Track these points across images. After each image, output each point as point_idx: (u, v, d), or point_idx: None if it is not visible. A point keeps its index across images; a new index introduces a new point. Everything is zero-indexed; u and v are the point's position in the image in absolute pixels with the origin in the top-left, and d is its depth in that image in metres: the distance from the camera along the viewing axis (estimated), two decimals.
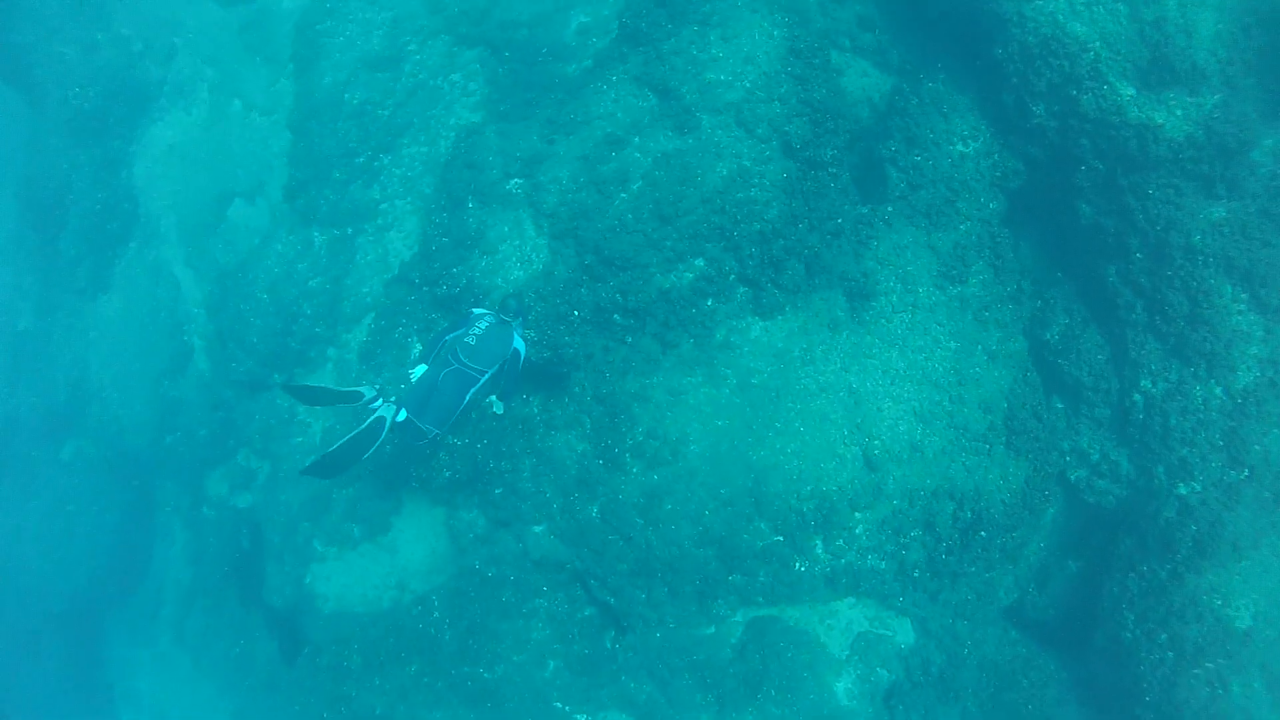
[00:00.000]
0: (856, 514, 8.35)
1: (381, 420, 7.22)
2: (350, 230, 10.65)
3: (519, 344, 7.73)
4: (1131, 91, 8.16)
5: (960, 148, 9.22)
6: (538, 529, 8.82)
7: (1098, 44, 8.25)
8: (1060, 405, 8.64)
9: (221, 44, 12.39)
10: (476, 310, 7.98)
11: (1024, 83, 8.60)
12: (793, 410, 8.52)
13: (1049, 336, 8.72)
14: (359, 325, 10.32)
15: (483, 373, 7.55)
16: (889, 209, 8.93)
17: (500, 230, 9.07)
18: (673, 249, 8.48)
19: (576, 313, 8.53)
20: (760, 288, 8.63)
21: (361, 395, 7.51)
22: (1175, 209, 7.97)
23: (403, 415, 7.34)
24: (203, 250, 11.75)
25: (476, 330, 7.63)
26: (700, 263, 8.59)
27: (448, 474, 8.96)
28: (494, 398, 7.97)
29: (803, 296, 8.70)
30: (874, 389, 8.53)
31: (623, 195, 8.63)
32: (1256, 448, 7.62)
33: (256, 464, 11.01)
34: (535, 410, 8.96)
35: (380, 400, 7.46)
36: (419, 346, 9.47)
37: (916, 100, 9.32)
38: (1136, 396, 8.21)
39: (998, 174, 9.03)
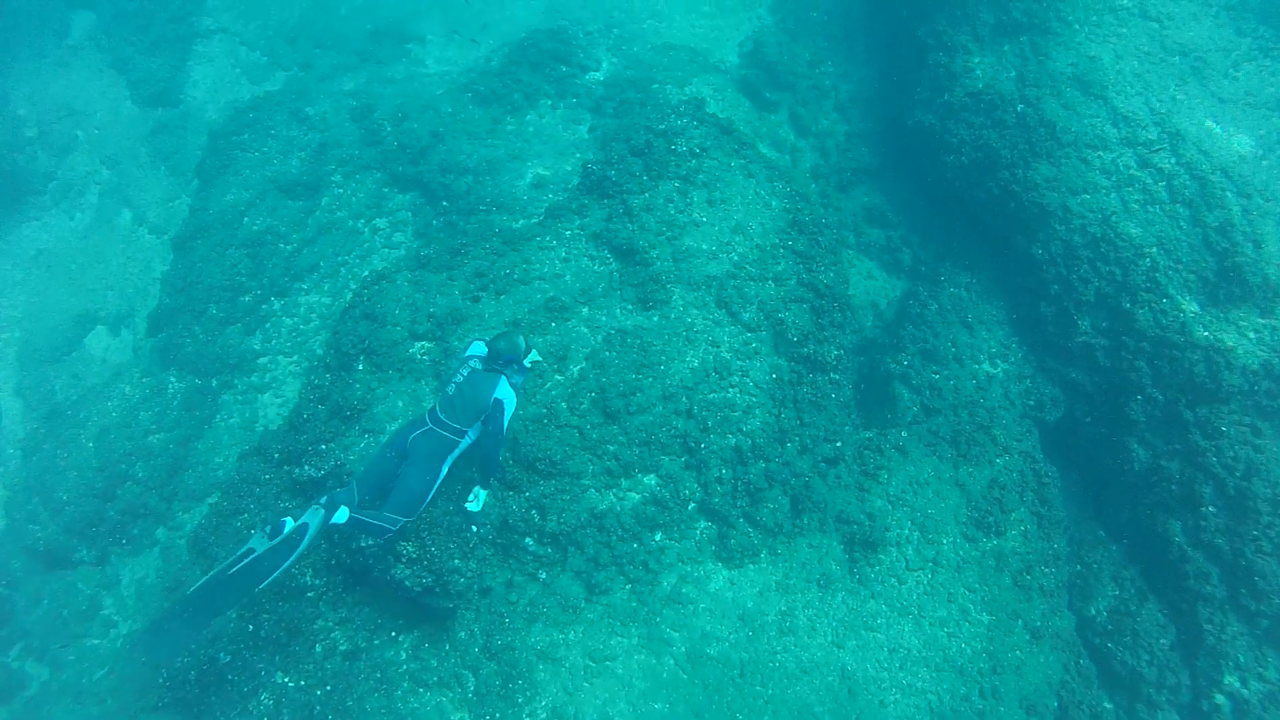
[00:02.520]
0: None
1: (303, 529, 5.16)
2: (215, 383, 8.64)
3: (505, 394, 5.85)
4: (1195, 307, 7.17)
5: (987, 367, 7.85)
6: None
7: (1155, 249, 7.24)
8: (1109, 705, 6.82)
9: (127, 145, 10.83)
10: (470, 351, 6.24)
11: (1067, 290, 7.55)
12: (762, 697, 6.22)
13: (1093, 612, 7.14)
14: (199, 504, 7.97)
15: (462, 434, 5.77)
16: (903, 434, 7.05)
17: (392, 405, 6.94)
18: (616, 458, 6.39)
19: (475, 528, 6.26)
20: (729, 523, 6.50)
21: (252, 551, 5.21)
22: (1256, 451, 6.78)
23: (343, 515, 5.33)
24: (41, 379, 9.47)
25: (458, 378, 5.95)
26: (651, 481, 6.47)
27: None
28: (475, 490, 5.91)
29: (785, 541, 6.58)
30: (876, 674, 6.42)
31: (557, 378, 6.66)
32: None
33: (30, 669, 8.21)
34: (402, 655, 6.47)
35: (289, 525, 5.26)
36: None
37: (935, 307, 8.02)
38: (1219, 698, 6.60)
39: (1031, 402, 7.80)
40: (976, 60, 8.55)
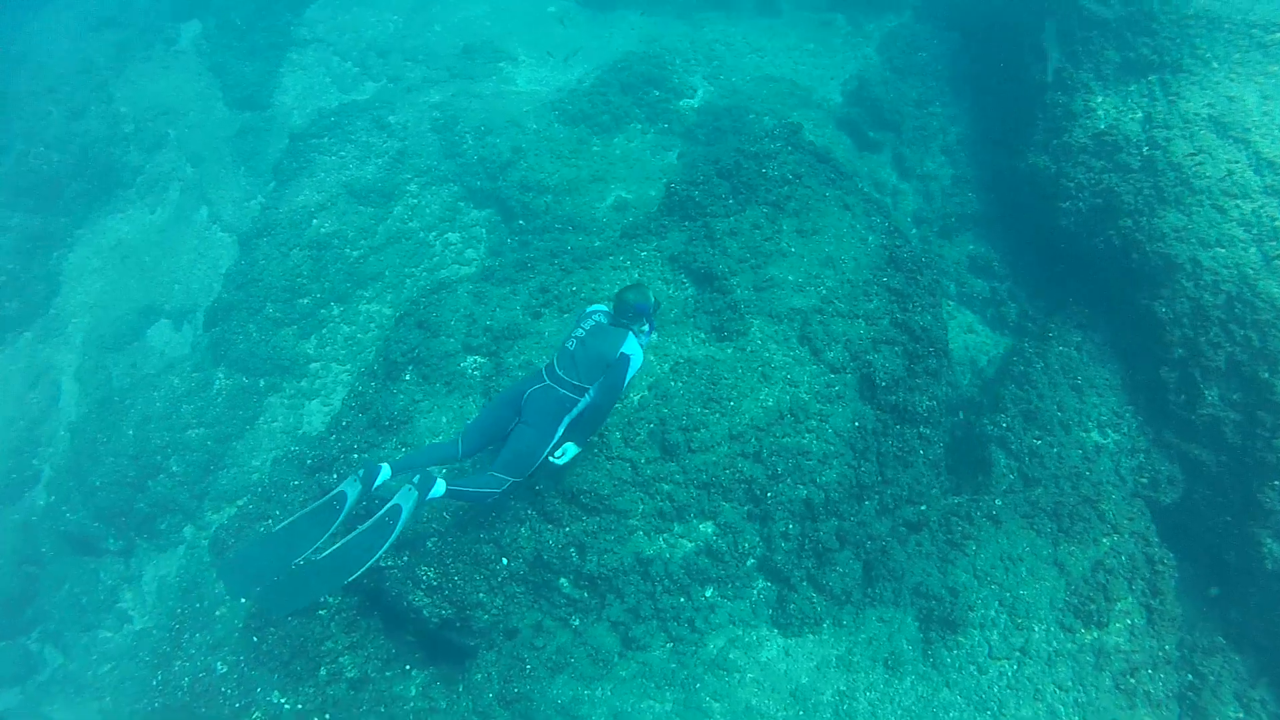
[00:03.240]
0: None
1: (395, 512, 4.85)
2: (263, 383, 8.42)
3: (632, 349, 5.35)
4: None
5: (1096, 436, 7.08)
6: None
7: None
8: None
9: (212, 145, 10.96)
10: (592, 308, 5.76)
11: (1194, 355, 6.63)
12: None
13: None
14: (230, 506, 7.65)
15: (582, 391, 5.29)
16: (997, 503, 6.23)
17: (435, 420, 6.48)
18: (671, 498, 5.75)
19: (506, 561, 5.69)
20: (791, 585, 5.77)
21: (345, 496, 5.07)
22: None
23: (439, 488, 5.00)
24: (100, 365, 9.45)
25: (579, 332, 5.46)
26: (708, 529, 5.81)
27: None
28: (566, 445, 5.36)
29: (853, 611, 5.81)
30: None
31: (615, 405, 6.09)
32: None
33: (48, 654, 8.00)
34: (412, 691, 5.92)
35: (386, 474, 5.13)
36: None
37: (1041, 366, 7.30)
38: None
39: (1144, 480, 6.85)
40: (1099, 100, 7.82)
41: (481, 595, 5.66)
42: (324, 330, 8.66)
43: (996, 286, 8.45)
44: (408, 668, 6.04)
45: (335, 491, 5.02)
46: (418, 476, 4.97)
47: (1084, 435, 7.00)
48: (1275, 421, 6.15)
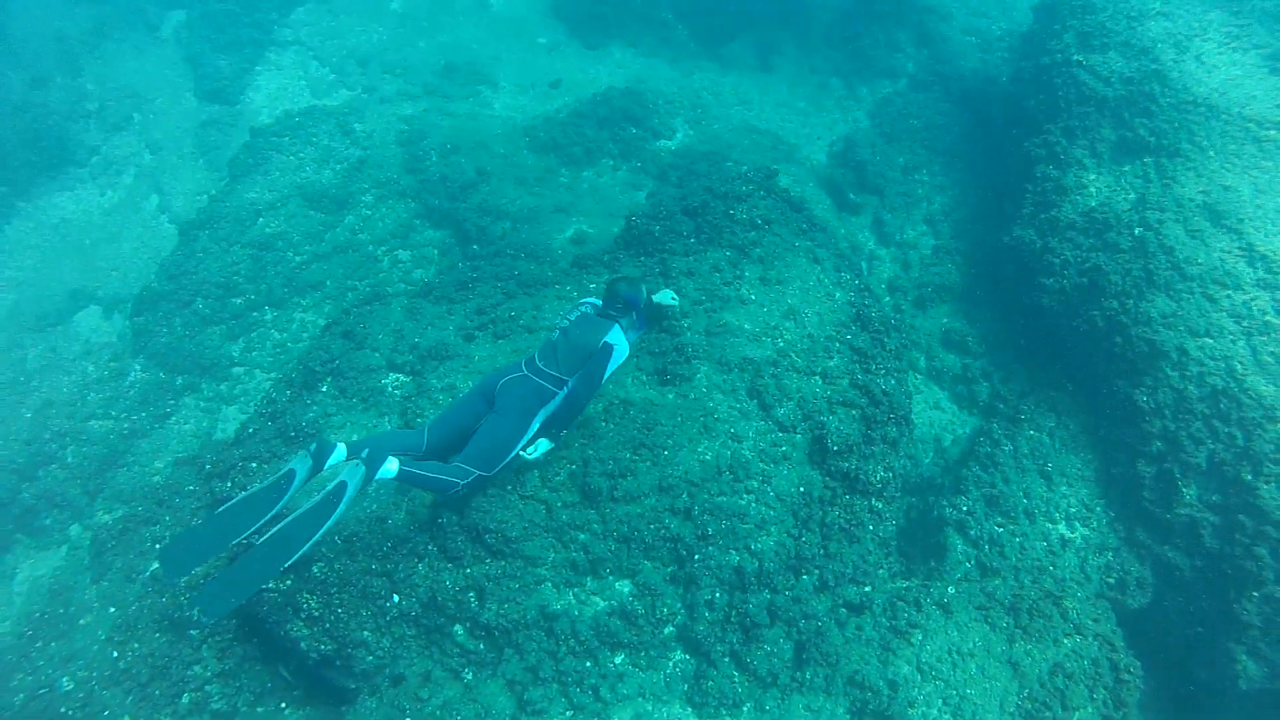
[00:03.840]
0: None
1: (339, 489, 4.41)
2: (180, 381, 7.87)
3: (617, 339, 5.31)
4: None
5: (1063, 529, 6.71)
6: None
7: None
8: None
9: (175, 134, 10.57)
10: (584, 300, 5.80)
11: (1173, 450, 6.26)
12: None
13: None
14: (123, 506, 7.00)
15: (561, 384, 5.16)
16: (950, 591, 5.73)
17: (345, 436, 5.93)
18: (586, 549, 5.20)
19: (398, 598, 5.09)
20: (711, 661, 5.17)
21: (294, 474, 4.60)
22: None
23: (390, 470, 4.63)
24: (17, 344, 8.84)
25: (563, 323, 5.47)
26: (625, 588, 5.25)
27: None
28: (539, 441, 5.17)
29: (778, 696, 5.20)
30: None
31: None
32: None
33: None
34: None
35: (341, 454, 4.72)
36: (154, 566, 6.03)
37: (1010, 449, 6.92)
38: None
39: (1111, 580, 6.45)
40: (1092, 177, 7.54)
41: (367, 633, 5.04)
42: (253, 334, 8.15)
43: (969, 363, 8.05)
44: (283, 705, 5.39)
45: (284, 470, 4.61)
46: (366, 451, 4.59)
47: (1050, 526, 6.55)
48: (1257, 527, 5.73)
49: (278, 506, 4.53)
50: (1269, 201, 6.73)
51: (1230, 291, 6.24)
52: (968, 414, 7.83)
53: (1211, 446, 5.97)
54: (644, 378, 5.94)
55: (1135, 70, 7.76)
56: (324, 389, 6.31)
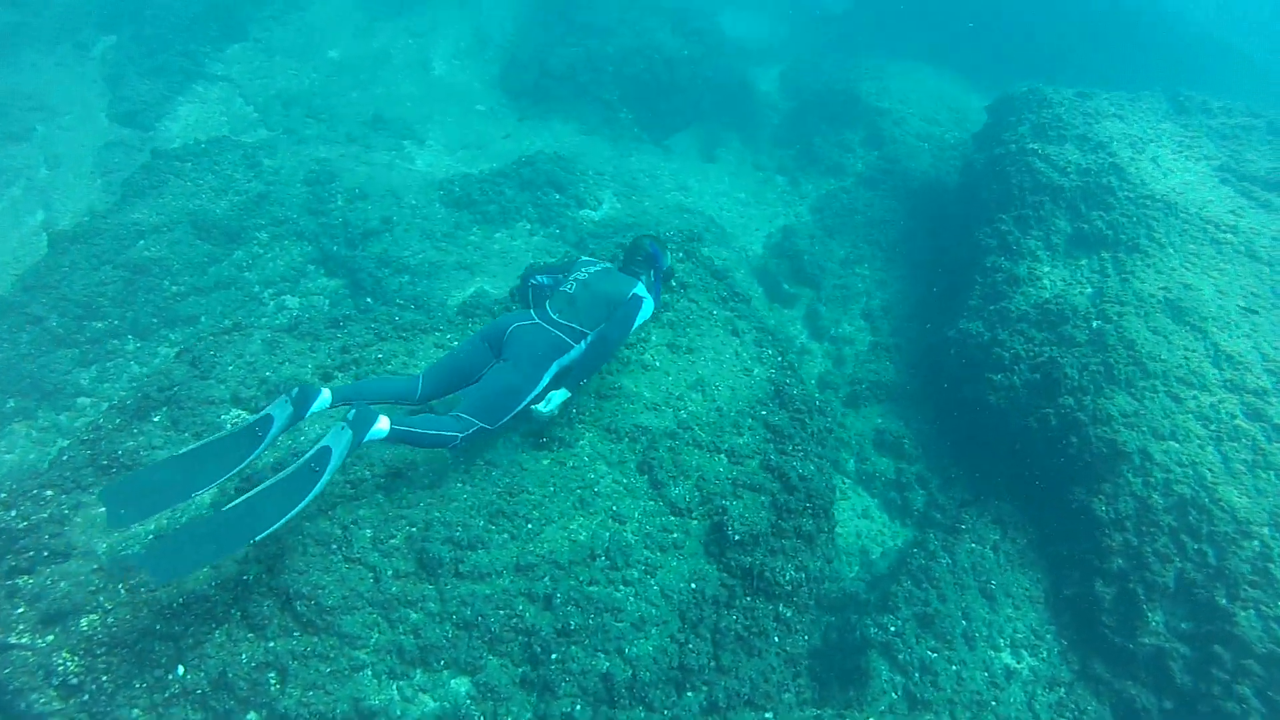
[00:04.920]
0: None
1: (323, 455, 3.93)
2: (13, 404, 7.06)
3: (644, 294, 5.17)
4: None
5: (1008, 658, 5.92)
6: None
7: (1267, 530, 5.26)
8: None
9: (77, 152, 9.80)
10: (586, 258, 5.57)
11: (1137, 568, 5.50)
12: None
13: None
14: None
15: (580, 337, 4.91)
16: None
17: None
18: (418, 634, 4.19)
19: (183, 670, 3.98)
20: None
21: (271, 420, 4.14)
22: None
23: (380, 430, 4.14)
24: None
25: (581, 275, 5.19)
26: (463, 687, 4.20)
27: None
28: (551, 393, 4.81)
29: None
30: None
31: (379, 496, 4.64)
32: None
33: None
34: None
35: (325, 402, 4.27)
36: None
37: (948, 563, 6.20)
38: None
39: None
40: (1046, 269, 7.06)
41: (137, 712, 3.94)
42: (109, 363, 7.18)
43: (904, 468, 7.29)
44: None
45: (261, 414, 4.13)
46: (353, 412, 4.06)
47: (993, 654, 5.66)
48: (1237, 661, 4.92)
49: (251, 457, 4.06)
50: (1230, 304, 6.27)
51: (1197, 392, 5.63)
52: (900, 524, 7.03)
53: (1180, 564, 5.21)
54: (516, 438, 5.07)
55: (1092, 162, 7.44)
56: (156, 419, 5.34)
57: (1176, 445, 5.48)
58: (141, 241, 7.88)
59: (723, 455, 5.19)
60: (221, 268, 7.99)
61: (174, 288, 7.68)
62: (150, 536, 4.53)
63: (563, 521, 4.64)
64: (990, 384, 6.67)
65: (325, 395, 4.25)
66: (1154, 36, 14.43)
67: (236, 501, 3.80)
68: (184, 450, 4.11)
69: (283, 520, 3.80)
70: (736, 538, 4.79)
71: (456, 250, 8.51)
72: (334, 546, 4.33)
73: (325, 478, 3.92)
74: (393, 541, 4.36)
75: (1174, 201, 7.03)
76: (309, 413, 4.19)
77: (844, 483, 7.28)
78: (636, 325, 5.07)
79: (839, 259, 9.70)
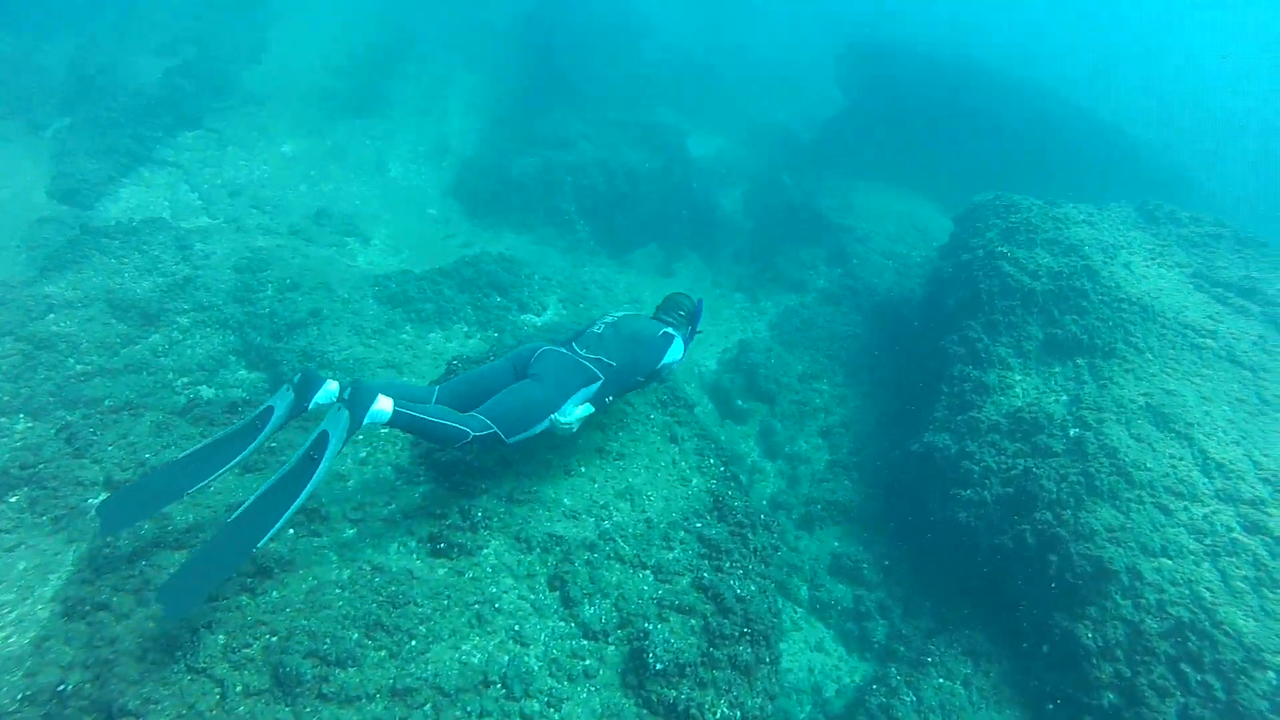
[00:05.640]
0: None
1: (320, 443, 3.72)
2: None
3: (672, 332, 5.06)
4: None
5: None
6: None
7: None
8: None
9: (8, 225, 9.29)
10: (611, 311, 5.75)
11: (1131, 704, 4.73)
12: None
13: None
14: None
15: (607, 370, 4.70)
16: None
17: (9, 563, 4.24)
18: None
19: None
20: None
21: (272, 412, 4.01)
22: None
23: (382, 412, 3.91)
24: None
25: (609, 319, 5.10)
26: None
27: None
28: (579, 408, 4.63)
29: None
30: None
31: (242, 598, 3.93)
32: None
33: None
34: None
35: (331, 394, 4.08)
36: None
37: (912, 700, 5.75)
38: None
39: None
40: (1018, 377, 6.59)
41: None
42: None
43: (863, 596, 6.57)
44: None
45: (262, 407, 4.03)
46: (349, 390, 3.89)
47: None
48: None
49: (249, 449, 3.96)
50: (1216, 410, 5.80)
51: (1188, 503, 5.06)
52: (858, 657, 6.24)
53: (1183, 700, 4.48)
54: (412, 543, 4.39)
55: (1064, 265, 7.12)
56: (13, 499, 4.66)
57: (1169, 562, 4.87)
58: (51, 315, 7.31)
59: (648, 571, 4.51)
60: (135, 350, 7.37)
61: (79, 366, 7.05)
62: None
63: (454, 640, 3.91)
64: (959, 500, 6.07)
65: (331, 386, 4.06)
66: (1115, 158, 14.70)
67: (236, 513, 3.63)
68: (184, 454, 4.05)
69: (285, 518, 3.60)
70: (659, 666, 4.06)
71: (386, 348, 7.99)
72: (178, 653, 3.59)
73: (324, 465, 3.69)
74: (247, 650, 3.62)
75: (1150, 305, 6.68)
76: (312, 403, 4.00)
77: (795, 612, 6.55)
78: (665, 363, 4.95)
79: (797, 374, 9.25)
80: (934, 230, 12.32)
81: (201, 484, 3.90)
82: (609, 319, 5.05)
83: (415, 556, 4.34)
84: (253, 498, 3.66)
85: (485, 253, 9.81)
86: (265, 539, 3.56)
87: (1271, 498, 5.13)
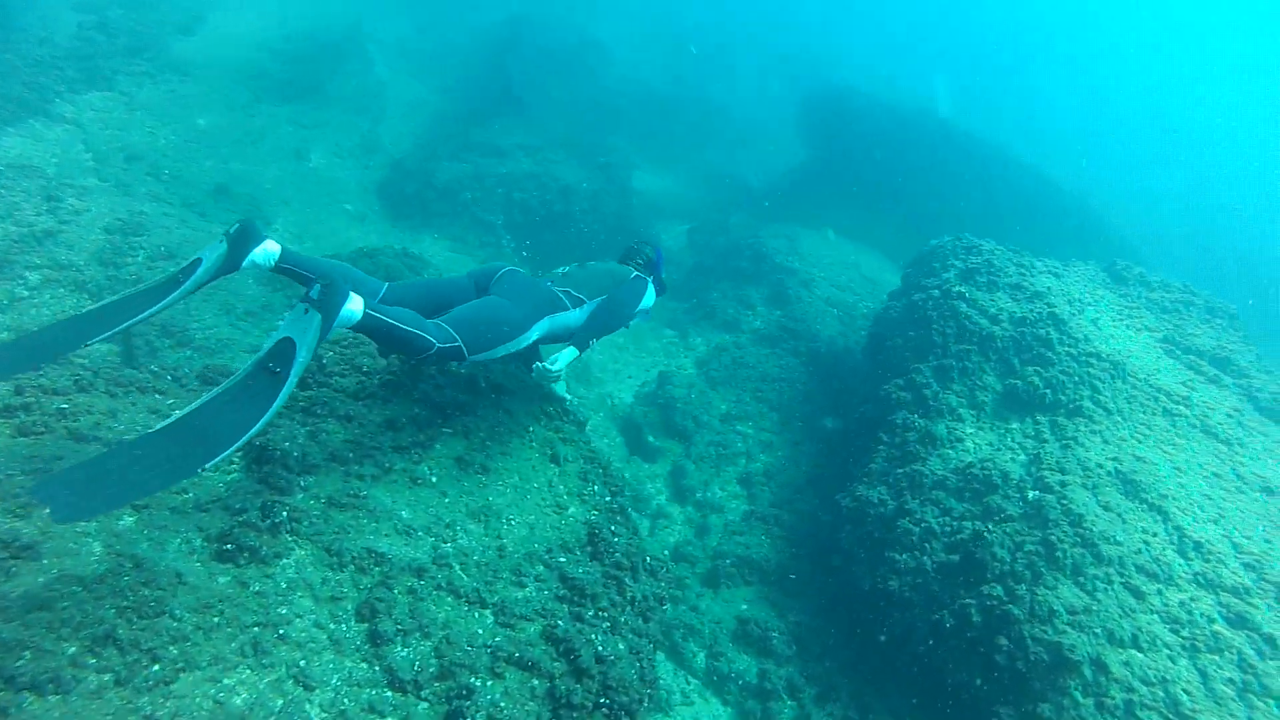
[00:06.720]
0: None
1: (286, 349, 3.16)
2: None
3: (650, 295, 4.91)
4: None
5: None
6: None
7: None
8: None
9: None
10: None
11: None
12: None
13: None
14: None
15: (577, 302, 4.50)
16: None
17: None
18: None
19: None
20: None
21: (199, 263, 3.47)
22: None
23: (353, 312, 3.41)
24: None
25: (569, 266, 4.84)
26: None
27: None
28: (559, 353, 4.46)
29: None
30: None
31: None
32: None
33: None
34: None
35: (270, 257, 3.54)
36: None
37: None
38: None
39: None
40: (970, 430, 5.83)
41: None
42: None
43: (770, 671, 5.63)
44: None
45: (189, 261, 3.51)
46: (317, 288, 3.25)
47: None
48: None
49: (166, 300, 3.42)
50: (1191, 483, 5.09)
51: (1162, 586, 4.28)
52: None
53: None
54: (197, 540, 3.37)
55: (1029, 311, 6.43)
56: None
57: (1140, 655, 4.07)
58: None
59: (488, 611, 3.55)
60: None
61: None
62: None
63: (214, 670, 2.89)
64: (893, 566, 5.22)
65: (271, 247, 3.51)
66: (1073, 223, 14.52)
67: (170, 419, 3.00)
68: (93, 305, 3.60)
69: (240, 442, 2.97)
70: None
71: (257, 333, 7.04)
72: None
73: (291, 380, 3.11)
74: None
75: (1121, 364, 6.03)
76: (247, 261, 3.48)
77: (688, 683, 5.59)
78: (641, 308, 4.83)
79: (719, 413, 8.48)
80: (884, 282, 11.81)
81: (108, 334, 3.33)
82: (569, 266, 4.82)
83: (196, 558, 3.31)
84: (187, 409, 3.00)
85: (389, 246, 8.89)
86: (214, 462, 2.88)
87: (1256, 586, 4.38)
